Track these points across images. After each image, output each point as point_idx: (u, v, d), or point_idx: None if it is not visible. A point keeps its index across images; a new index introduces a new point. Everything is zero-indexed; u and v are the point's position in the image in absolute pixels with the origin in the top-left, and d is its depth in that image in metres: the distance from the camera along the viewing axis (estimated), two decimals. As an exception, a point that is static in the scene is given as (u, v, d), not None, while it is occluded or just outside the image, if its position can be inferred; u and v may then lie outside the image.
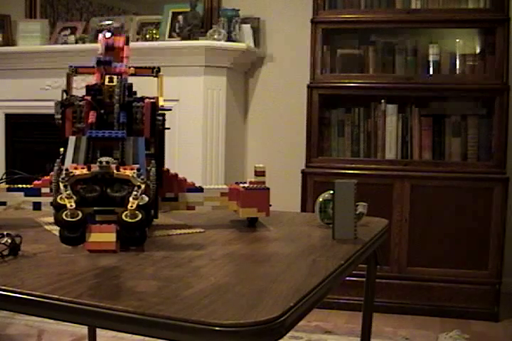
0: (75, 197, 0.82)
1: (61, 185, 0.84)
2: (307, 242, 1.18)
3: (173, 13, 3.24)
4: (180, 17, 3.18)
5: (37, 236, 1.13)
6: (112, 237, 0.83)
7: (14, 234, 0.96)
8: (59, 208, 0.82)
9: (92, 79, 1.15)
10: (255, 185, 1.26)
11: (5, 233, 0.95)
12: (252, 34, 3.20)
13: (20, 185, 1.20)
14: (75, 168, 0.89)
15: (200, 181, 2.39)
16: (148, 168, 1.01)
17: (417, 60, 2.86)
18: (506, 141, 2.72)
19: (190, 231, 1.20)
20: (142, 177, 0.88)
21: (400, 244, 2.76)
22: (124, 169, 0.90)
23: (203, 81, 3.01)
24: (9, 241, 0.94)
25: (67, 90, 1.22)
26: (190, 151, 2.99)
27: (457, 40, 2.85)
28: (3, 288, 0.80)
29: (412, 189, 2.74)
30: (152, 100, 1.14)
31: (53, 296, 0.76)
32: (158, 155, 1.19)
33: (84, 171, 0.87)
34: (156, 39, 3.19)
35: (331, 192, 1.19)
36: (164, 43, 3.10)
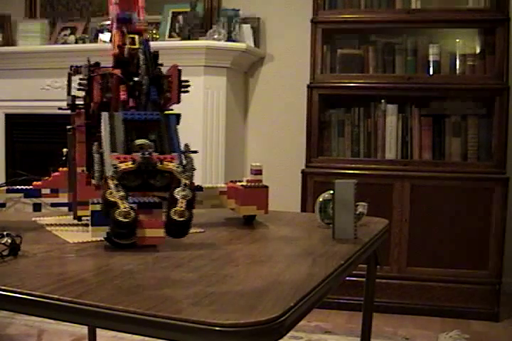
0: (127, 201, 0.83)
1: (111, 183, 0.85)
2: (307, 242, 1.18)
3: (173, 13, 3.24)
4: (180, 17, 3.18)
5: (37, 237, 1.13)
6: (160, 232, 0.87)
7: (14, 234, 0.96)
8: (108, 204, 0.84)
9: (113, 44, 1.07)
10: (254, 183, 1.26)
11: (5, 233, 0.95)
12: (252, 34, 3.20)
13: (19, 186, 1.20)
14: (118, 159, 0.90)
15: (200, 181, 2.39)
16: (188, 155, 1.00)
17: (417, 60, 2.86)
18: (506, 141, 2.72)
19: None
20: (187, 173, 0.91)
21: (399, 244, 2.76)
22: (165, 158, 0.91)
23: (203, 81, 3.01)
24: (9, 241, 0.94)
25: (69, 90, 1.22)
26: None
27: (457, 40, 2.85)
28: (3, 288, 0.80)
29: (412, 189, 2.74)
30: (177, 66, 1.09)
31: (53, 296, 0.76)
32: None
33: (130, 164, 0.88)
34: (156, 39, 3.19)
35: (331, 192, 1.19)
36: (164, 43, 3.10)
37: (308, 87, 2.87)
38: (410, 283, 2.76)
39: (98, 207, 0.95)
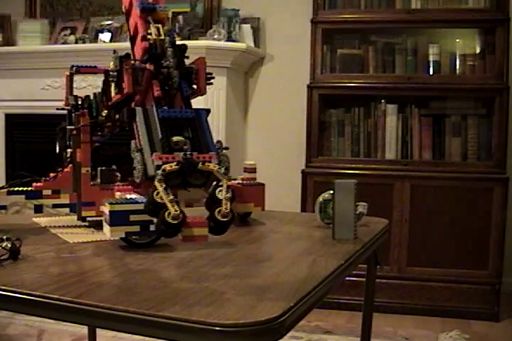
0: (176, 204, 0.86)
1: (159, 186, 0.86)
2: (307, 242, 1.18)
3: (173, 13, 3.24)
4: (180, 17, 3.18)
5: (37, 237, 1.13)
6: (205, 231, 0.89)
7: (14, 238, 0.95)
8: (157, 205, 0.87)
9: (139, 35, 1.02)
10: (250, 181, 1.29)
11: (4, 237, 0.94)
12: (252, 34, 3.20)
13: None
14: (160, 159, 0.91)
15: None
16: (222, 152, 1.01)
17: (417, 60, 2.86)
18: (506, 141, 2.72)
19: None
20: (229, 175, 0.94)
21: (400, 244, 2.76)
22: (204, 158, 0.93)
23: (203, 81, 3.00)
24: (9, 245, 0.93)
25: (71, 90, 1.22)
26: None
27: (457, 40, 2.85)
28: (3, 288, 0.80)
29: (412, 189, 2.74)
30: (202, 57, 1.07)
31: (53, 296, 0.76)
32: None
33: (174, 165, 0.90)
34: (156, 39, 3.19)
35: (331, 192, 1.19)
36: (164, 43, 3.09)
37: (308, 87, 2.87)
38: (410, 283, 2.76)
39: (117, 208, 0.97)
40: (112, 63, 1.04)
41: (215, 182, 0.94)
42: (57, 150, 1.41)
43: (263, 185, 1.30)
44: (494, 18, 2.67)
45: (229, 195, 0.92)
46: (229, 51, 3.04)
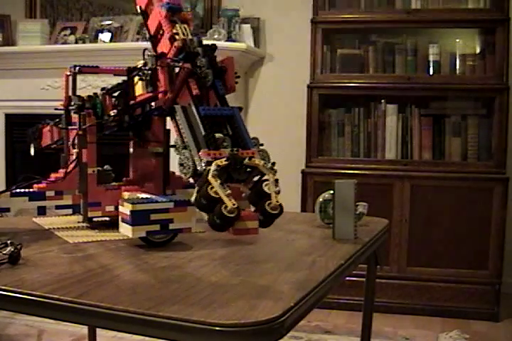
0: (232, 198, 0.88)
1: (214, 181, 0.88)
2: (307, 242, 1.18)
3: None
4: (180, 17, 3.18)
5: (37, 237, 1.13)
6: (256, 224, 0.91)
7: (17, 242, 0.94)
8: (213, 200, 0.88)
9: (165, 39, 1.03)
10: None
11: (8, 242, 0.93)
12: (252, 34, 3.20)
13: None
14: (208, 155, 0.92)
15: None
16: (260, 148, 1.03)
17: (417, 60, 2.85)
18: (506, 141, 2.72)
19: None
20: (275, 169, 0.95)
21: (400, 244, 2.76)
22: (247, 154, 0.95)
23: (203, 81, 3.00)
24: (12, 249, 0.92)
25: (74, 90, 1.22)
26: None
27: (457, 40, 2.85)
28: (3, 288, 0.80)
29: (412, 189, 2.74)
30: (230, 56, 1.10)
31: (53, 296, 0.76)
32: (166, 154, 1.21)
33: (223, 161, 0.91)
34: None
35: (331, 192, 1.19)
36: (164, 43, 3.09)
37: (308, 87, 2.87)
38: (410, 283, 2.76)
39: (139, 207, 0.98)
40: (140, 62, 1.04)
41: (257, 177, 0.96)
42: (32, 153, 1.42)
43: None
44: (494, 18, 2.67)
45: (278, 188, 0.94)
46: (229, 51, 3.03)
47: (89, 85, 2.99)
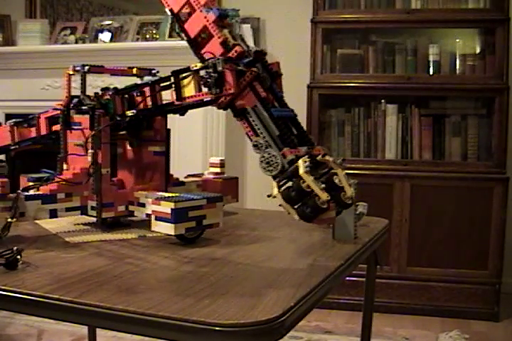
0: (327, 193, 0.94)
1: (308, 177, 0.92)
2: (307, 242, 1.18)
3: (173, 13, 3.24)
4: (180, 17, 3.18)
5: (37, 237, 1.13)
6: (333, 214, 0.96)
7: (20, 248, 0.92)
8: (307, 194, 0.93)
9: (214, 43, 1.07)
10: (225, 175, 1.44)
11: (15, 248, 0.92)
12: (252, 34, 3.20)
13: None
14: (291, 153, 0.98)
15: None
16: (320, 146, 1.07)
17: (417, 60, 2.85)
18: (506, 141, 2.72)
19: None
20: (345, 164, 1.02)
21: (400, 244, 2.76)
22: (318, 151, 1.01)
23: (203, 81, 3.00)
24: (19, 257, 0.90)
25: (84, 90, 1.22)
26: (190, 151, 2.99)
27: (457, 40, 2.85)
28: (3, 288, 0.80)
29: (412, 189, 2.74)
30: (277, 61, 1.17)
31: (53, 296, 0.76)
32: (166, 154, 1.24)
33: (307, 158, 0.97)
34: (156, 39, 3.19)
35: (331, 192, 1.19)
36: (164, 43, 3.09)
37: (308, 87, 2.87)
38: (410, 283, 2.76)
39: (180, 205, 1.02)
40: (199, 64, 1.10)
41: (323, 171, 1.00)
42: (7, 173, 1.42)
43: (237, 178, 1.45)
44: (494, 18, 2.67)
45: (352, 181, 1.01)
46: (229, 51, 3.03)
47: (89, 85, 2.98)
